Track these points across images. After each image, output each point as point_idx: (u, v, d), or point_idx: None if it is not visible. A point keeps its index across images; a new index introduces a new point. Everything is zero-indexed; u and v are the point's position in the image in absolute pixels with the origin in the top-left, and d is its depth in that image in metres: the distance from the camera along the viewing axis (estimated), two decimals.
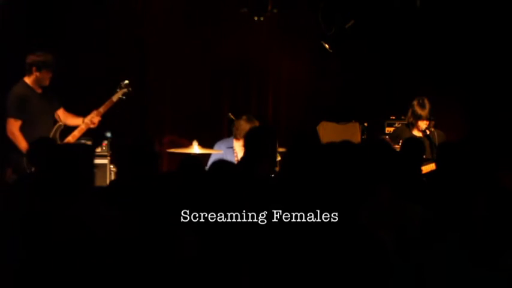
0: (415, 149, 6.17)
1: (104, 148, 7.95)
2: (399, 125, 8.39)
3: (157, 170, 4.80)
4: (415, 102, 7.71)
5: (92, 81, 8.88)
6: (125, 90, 7.73)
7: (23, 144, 7.14)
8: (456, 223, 3.74)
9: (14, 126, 7.25)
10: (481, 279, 3.52)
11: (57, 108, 7.57)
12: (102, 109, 7.59)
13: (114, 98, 7.68)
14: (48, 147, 5.43)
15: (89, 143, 7.64)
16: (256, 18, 8.69)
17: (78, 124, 7.56)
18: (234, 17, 9.07)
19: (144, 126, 9.17)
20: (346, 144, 4.58)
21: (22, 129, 7.26)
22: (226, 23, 9.32)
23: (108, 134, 7.77)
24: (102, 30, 8.94)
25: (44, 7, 8.81)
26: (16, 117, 7.27)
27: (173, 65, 9.23)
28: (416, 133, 7.69)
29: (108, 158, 7.91)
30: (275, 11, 8.72)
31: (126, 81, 7.76)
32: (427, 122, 7.66)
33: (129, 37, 9.15)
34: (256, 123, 7.46)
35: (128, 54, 9.14)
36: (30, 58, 7.36)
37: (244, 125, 7.38)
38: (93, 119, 7.53)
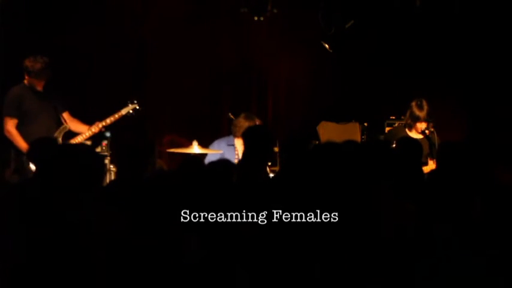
0: (411, 148, 6.14)
1: (104, 148, 7.94)
2: (397, 125, 8.37)
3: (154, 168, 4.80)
4: (413, 104, 7.66)
5: (91, 81, 8.89)
6: (135, 106, 7.71)
7: (20, 142, 7.21)
8: (456, 222, 3.74)
9: (9, 125, 7.32)
10: (481, 278, 3.52)
11: (61, 110, 7.58)
12: (108, 120, 7.59)
13: (124, 111, 7.67)
14: (49, 147, 5.42)
15: (88, 142, 7.63)
16: (256, 18, 8.70)
17: (82, 131, 7.58)
18: (234, 17, 9.07)
19: (144, 126, 9.17)
20: (346, 144, 4.58)
21: (20, 127, 7.30)
22: (226, 23, 9.31)
23: (108, 134, 7.75)
24: (102, 30, 8.94)
25: (43, 7, 8.81)
26: (11, 115, 7.35)
27: (173, 65, 9.23)
28: (415, 134, 7.66)
29: (108, 158, 7.90)
30: (275, 11, 8.72)
31: (135, 101, 7.76)
32: (426, 124, 7.63)
33: (129, 37, 9.15)
34: (256, 121, 7.47)
35: (128, 54, 9.14)
36: (23, 62, 7.41)
37: (243, 123, 7.39)
38: (96, 129, 7.55)
